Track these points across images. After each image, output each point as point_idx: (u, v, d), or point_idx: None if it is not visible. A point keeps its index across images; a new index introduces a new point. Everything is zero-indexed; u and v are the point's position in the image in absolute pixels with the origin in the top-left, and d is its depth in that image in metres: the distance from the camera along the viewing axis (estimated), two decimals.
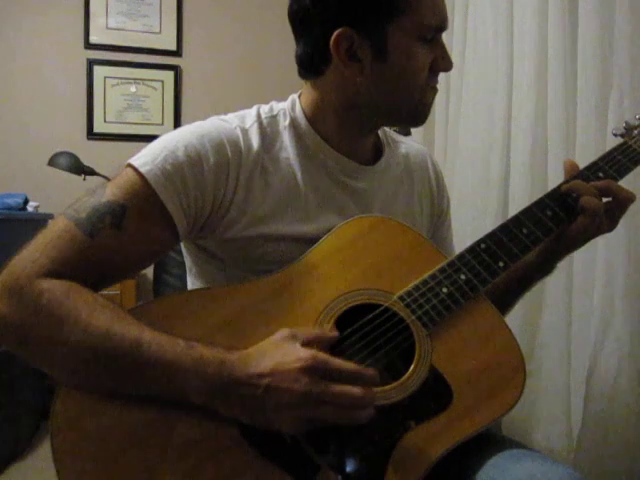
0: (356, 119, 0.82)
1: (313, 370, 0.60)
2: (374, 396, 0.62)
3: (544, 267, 0.88)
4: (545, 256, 0.85)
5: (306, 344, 0.63)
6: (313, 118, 0.82)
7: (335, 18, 0.74)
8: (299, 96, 0.85)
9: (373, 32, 0.75)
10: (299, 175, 0.80)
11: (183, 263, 0.90)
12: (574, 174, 0.84)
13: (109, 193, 0.70)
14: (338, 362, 0.62)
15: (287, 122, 0.82)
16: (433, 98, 0.83)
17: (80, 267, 0.67)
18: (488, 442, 0.76)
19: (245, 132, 0.79)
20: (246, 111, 0.83)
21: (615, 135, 0.89)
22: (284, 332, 0.65)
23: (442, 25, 0.78)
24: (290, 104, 0.84)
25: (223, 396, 0.62)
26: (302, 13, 0.77)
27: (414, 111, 0.82)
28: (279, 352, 0.62)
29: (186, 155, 0.73)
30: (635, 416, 1.15)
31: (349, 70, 0.77)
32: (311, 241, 0.77)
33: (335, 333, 0.68)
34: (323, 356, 0.62)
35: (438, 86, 0.84)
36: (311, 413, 0.61)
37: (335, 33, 0.74)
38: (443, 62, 0.79)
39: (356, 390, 0.60)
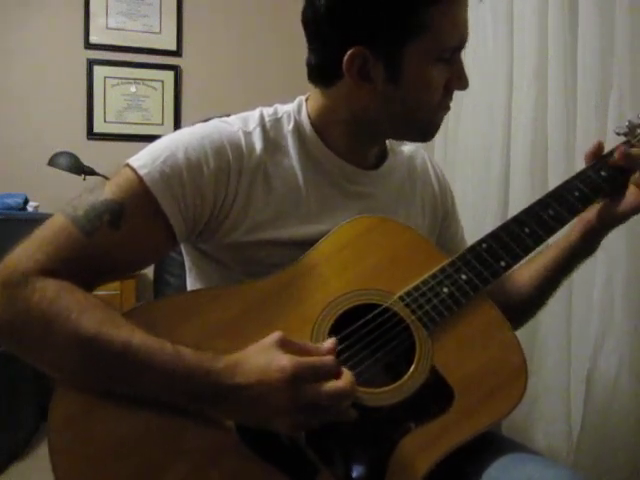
0: (363, 132, 0.81)
1: (296, 379, 0.60)
2: (354, 386, 0.63)
3: (589, 248, 0.86)
4: (588, 238, 0.84)
5: (293, 353, 0.63)
6: (319, 125, 0.81)
7: (350, 35, 0.72)
8: (306, 99, 0.84)
9: (389, 53, 0.72)
10: (301, 180, 0.79)
11: (184, 263, 0.90)
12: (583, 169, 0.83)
13: (108, 192, 0.70)
14: (319, 362, 0.62)
15: (291, 126, 0.81)
16: (444, 116, 0.81)
17: (75, 265, 0.67)
18: (490, 444, 0.75)
19: (248, 135, 0.78)
20: (249, 113, 0.82)
21: (618, 134, 0.88)
22: (273, 336, 0.64)
23: (462, 43, 0.75)
24: (297, 107, 0.83)
25: (211, 403, 0.62)
26: (316, 22, 0.75)
27: (423, 130, 0.80)
28: (262, 360, 0.62)
29: (186, 158, 0.72)
30: (635, 416, 1.15)
31: (360, 89, 0.75)
32: (312, 245, 0.77)
33: (330, 346, 0.65)
34: (303, 361, 0.61)
35: None
36: (302, 418, 0.61)
37: (349, 52, 0.71)
38: (459, 82, 0.77)
39: (340, 384, 0.61)
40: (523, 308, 0.92)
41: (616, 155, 0.81)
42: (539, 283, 0.89)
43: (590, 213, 0.83)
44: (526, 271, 0.90)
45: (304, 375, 0.61)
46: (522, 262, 0.82)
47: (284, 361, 0.61)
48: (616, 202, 0.81)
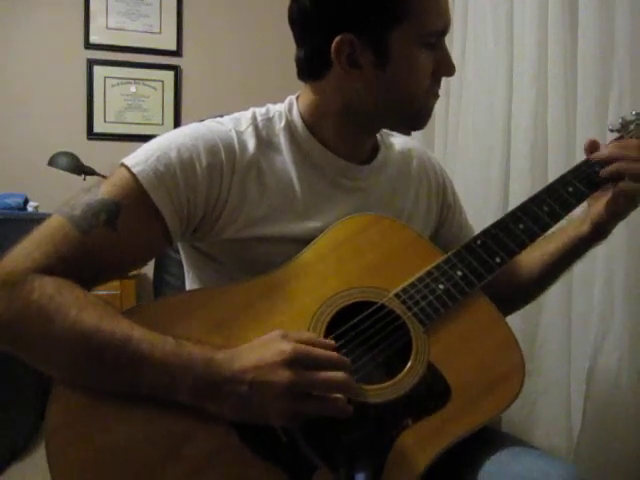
0: (355, 124, 0.81)
1: (295, 362, 0.61)
2: (353, 382, 0.64)
3: (599, 236, 0.86)
4: (598, 228, 0.84)
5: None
6: (311, 121, 0.82)
7: (337, 23, 0.73)
8: (297, 98, 0.85)
9: (375, 39, 0.73)
10: (295, 177, 0.80)
11: None
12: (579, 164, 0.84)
13: (104, 191, 0.71)
14: (319, 351, 0.63)
15: (283, 124, 0.82)
16: (434, 104, 0.82)
17: (73, 264, 0.68)
18: (488, 439, 0.76)
19: (240, 134, 0.79)
20: (242, 113, 0.83)
21: (611, 130, 0.90)
22: (275, 332, 0.65)
23: (445, 29, 0.77)
24: (287, 106, 0.84)
25: (210, 394, 0.62)
26: (303, 17, 0.76)
27: (415, 117, 0.81)
28: (263, 348, 0.64)
29: (178, 156, 0.73)
30: (635, 415, 1.15)
31: (350, 76, 0.76)
32: (308, 242, 0.78)
33: (331, 342, 0.67)
34: (304, 347, 0.63)
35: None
36: (297, 404, 0.62)
37: (336, 39, 0.73)
38: (446, 68, 0.78)
39: (339, 375, 0.62)
40: (530, 289, 0.96)
41: (603, 154, 0.82)
42: (548, 267, 0.91)
43: (599, 205, 0.83)
44: (537, 253, 0.91)
45: (302, 360, 0.62)
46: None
47: (284, 346, 0.62)
48: (618, 199, 0.80)
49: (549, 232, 0.84)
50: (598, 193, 0.84)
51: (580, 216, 0.85)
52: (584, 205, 0.85)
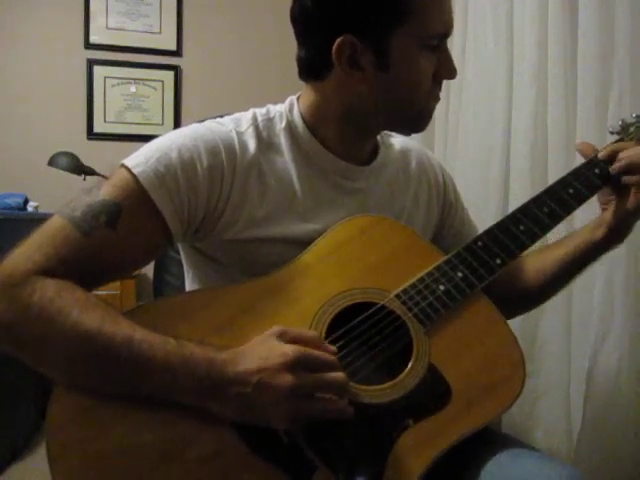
0: (356, 125, 0.81)
1: (297, 364, 0.62)
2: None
3: (616, 239, 0.85)
4: (615, 230, 0.83)
5: (291, 342, 0.65)
6: (312, 121, 0.82)
7: (338, 24, 0.73)
8: (298, 98, 0.85)
9: (376, 40, 0.73)
10: (295, 178, 0.80)
11: None
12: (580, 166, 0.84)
13: (104, 192, 0.71)
14: (321, 354, 0.64)
15: (283, 124, 0.82)
16: (435, 106, 0.82)
17: (74, 265, 0.67)
18: (489, 440, 0.76)
19: (240, 135, 0.79)
20: (242, 114, 0.83)
21: (611, 133, 0.90)
22: (273, 329, 0.66)
23: (448, 32, 0.76)
24: (288, 106, 0.84)
25: (213, 395, 0.63)
26: (304, 17, 0.76)
27: (415, 119, 0.81)
28: (265, 349, 0.64)
29: (179, 157, 0.73)
30: (635, 415, 1.15)
31: (350, 77, 0.76)
32: (308, 243, 0.78)
33: (317, 333, 0.68)
34: (306, 350, 0.63)
35: None
36: (300, 407, 0.62)
37: (337, 40, 0.73)
38: (447, 70, 0.78)
39: (339, 376, 0.63)
40: (541, 291, 0.95)
41: (602, 153, 0.83)
42: (562, 270, 0.90)
43: (613, 208, 0.82)
44: (550, 256, 0.91)
45: (304, 363, 0.63)
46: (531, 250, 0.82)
47: (286, 348, 0.63)
48: (624, 199, 0.80)
49: (561, 237, 0.83)
50: (610, 197, 0.84)
51: (595, 221, 0.85)
52: (593, 211, 0.85)
